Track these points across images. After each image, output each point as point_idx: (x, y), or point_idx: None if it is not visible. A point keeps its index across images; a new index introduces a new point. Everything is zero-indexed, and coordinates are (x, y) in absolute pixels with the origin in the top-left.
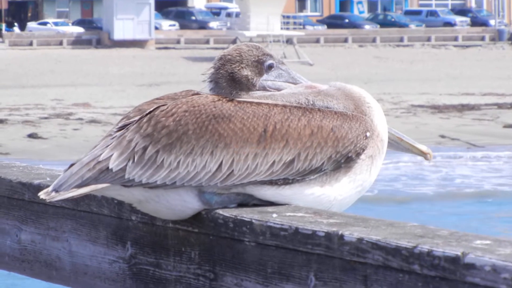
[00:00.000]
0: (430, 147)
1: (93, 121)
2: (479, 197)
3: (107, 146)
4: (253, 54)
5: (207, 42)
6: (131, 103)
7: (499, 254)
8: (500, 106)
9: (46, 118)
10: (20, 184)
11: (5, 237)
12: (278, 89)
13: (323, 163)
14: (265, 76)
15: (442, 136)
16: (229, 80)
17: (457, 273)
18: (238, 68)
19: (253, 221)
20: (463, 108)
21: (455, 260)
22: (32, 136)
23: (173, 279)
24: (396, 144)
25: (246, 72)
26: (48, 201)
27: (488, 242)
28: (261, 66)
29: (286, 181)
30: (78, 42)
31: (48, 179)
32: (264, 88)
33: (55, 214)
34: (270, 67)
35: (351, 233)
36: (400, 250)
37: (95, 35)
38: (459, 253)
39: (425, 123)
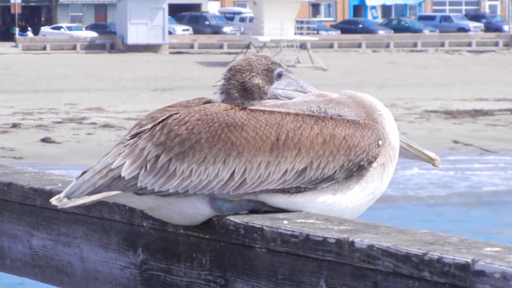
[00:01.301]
0: (443, 152)
1: (106, 126)
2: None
3: (119, 154)
4: (262, 63)
5: (221, 47)
6: (145, 108)
7: (509, 261)
8: None
9: (59, 122)
10: (31, 190)
11: (17, 242)
12: (289, 98)
13: (335, 172)
14: (275, 85)
15: (456, 142)
16: (241, 90)
17: (467, 280)
18: (249, 77)
19: (264, 227)
20: (476, 113)
21: (465, 267)
22: (45, 140)
23: (184, 285)
24: (405, 151)
25: (257, 80)
26: (60, 207)
27: (498, 249)
28: (271, 74)
29: (298, 189)
30: (91, 46)
31: (59, 185)
32: (275, 97)
33: (66, 220)
34: (280, 75)
35: (362, 240)
36: (410, 257)
37: (109, 39)
38: (469, 260)
39: (438, 128)
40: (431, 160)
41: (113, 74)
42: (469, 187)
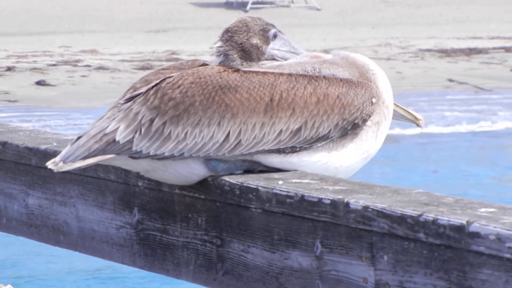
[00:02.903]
0: (438, 91)
1: (101, 68)
2: None
3: (114, 119)
4: (258, 23)
5: None
6: (139, 50)
7: (504, 222)
8: (508, 49)
9: (54, 65)
10: (26, 149)
11: (13, 201)
12: (284, 58)
13: (330, 131)
14: (271, 45)
15: (450, 80)
16: (239, 51)
17: (462, 241)
18: (246, 38)
19: (259, 188)
20: (471, 52)
21: (460, 229)
22: (40, 83)
23: (180, 244)
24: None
25: (255, 40)
26: (56, 171)
27: (493, 210)
28: (267, 34)
29: (293, 149)
30: None
31: (54, 144)
32: (272, 57)
33: (62, 180)
34: (275, 36)
35: (357, 201)
36: (405, 218)
37: None
38: (463, 222)
39: (433, 67)
40: (416, 120)
41: (107, 15)
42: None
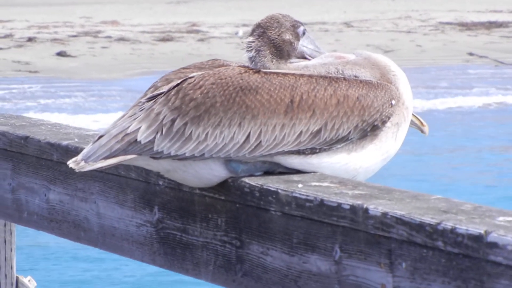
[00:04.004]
0: (458, 64)
1: (121, 39)
2: None
3: (135, 118)
4: (288, 19)
5: None
6: (159, 21)
7: None
8: None
9: (74, 36)
10: (48, 144)
11: (34, 196)
12: (312, 56)
13: (349, 132)
14: (301, 41)
15: (470, 54)
16: (271, 47)
17: (480, 251)
18: (278, 34)
19: (279, 191)
20: (491, 25)
21: (478, 238)
22: (61, 54)
23: (200, 244)
24: None
25: (288, 36)
26: (77, 170)
27: (511, 219)
28: (297, 31)
29: (313, 150)
30: None
31: (76, 139)
32: (301, 54)
33: (83, 176)
34: (303, 33)
35: (376, 207)
36: (424, 226)
37: None
38: (482, 231)
39: (453, 40)
40: (421, 126)
41: None
42: None
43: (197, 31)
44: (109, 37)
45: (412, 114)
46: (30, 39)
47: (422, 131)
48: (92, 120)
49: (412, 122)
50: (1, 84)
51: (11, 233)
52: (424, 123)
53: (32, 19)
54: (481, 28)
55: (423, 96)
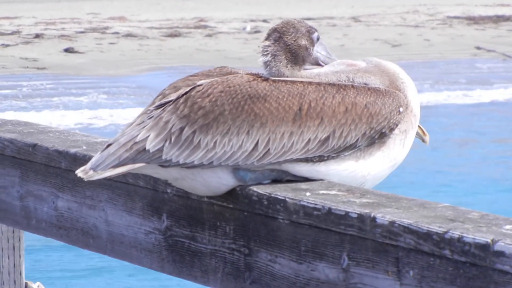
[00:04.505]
0: (465, 59)
1: (129, 35)
2: None
3: (144, 127)
4: (303, 25)
5: None
6: (167, 16)
7: None
8: None
9: (82, 32)
10: (56, 152)
11: (42, 203)
12: (325, 63)
13: (357, 140)
14: (315, 47)
15: (478, 48)
16: (287, 52)
17: (487, 260)
18: (295, 39)
19: (287, 199)
20: (498, 19)
21: (485, 247)
22: (68, 50)
23: (208, 252)
24: None
25: (303, 41)
26: (86, 179)
27: None
28: (311, 36)
29: (321, 158)
30: None
31: (84, 147)
32: (315, 60)
33: (91, 183)
34: (318, 38)
35: (383, 216)
36: (431, 235)
37: None
38: (489, 240)
39: (460, 34)
40: (423, 135)
41: None
42: None
43: (205, 27)
44: (117, 33)
45: (418, 125)
46: (37, 36)
47: (423, 141)
48: (95, 115)
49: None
50: (9, 81)
51: (19, 240)
52: (426, 132)
53: (40, 15)
54: (489, 22)
55: (434, 89)
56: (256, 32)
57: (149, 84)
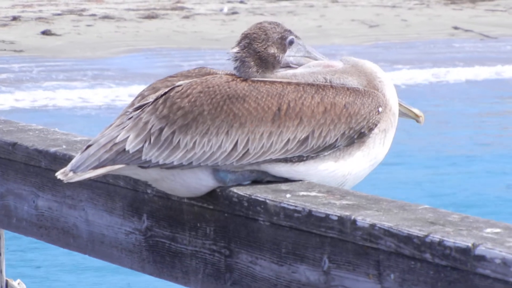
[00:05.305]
0: (443, 39)
1: (106, 17)
2: None
3: (123, 128)
4: (276, 31)
5: None
6: None
7: (509, 246)
8: None
9: (59, 14)
10: (36, 151)
11: (23, 202)
12: (299, 64)
13: (336, 140)
14: (287, 52)
15: (455, 28)
16: (256, 59)
17: (468, 264)
18: (264, 47)
19: (267, 201)
20: None
21: (465, 251)
22: (45, 33)
23: (189, 253)
24: None
25: (273, 50)
26: (65, 181)
27: (498, 230)
28: (284, 42)
29: (300, 158)
30: None
31: (64, 146)
32: (287, 65)
33: (71, 183)
34: (291, 42)
35: (364, 218)
36: (412, 238)
37: None
38: (469, 244)
39: (438, 14)
40: (416, 117)
41: None
42: None
43: (182, 8)
44: (94, 15)
45: (407, 108)
46: (14, 18)
47: (418, 121)
48: (77, 96)
49: (407, 115)
50: None
51: (0, 237)
52: (419, 113)
53: None
54: (466, 2)
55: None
56: (234, 13)
57: (126, 66)
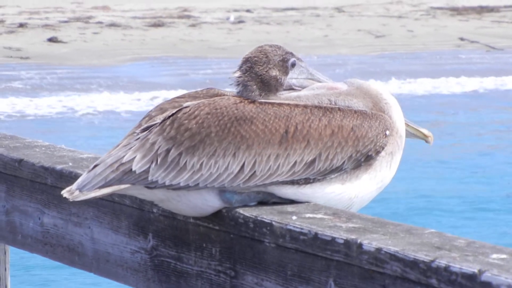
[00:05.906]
0: (449, 50)
1: (112, 25)
2: None
3: (130, 148)
4: (278, 53)
5: None
6: (150, 6)
7: None
8: None
9: (66, 21)
10: (42, 168)
11: (28, 219)
12: (302, 86)
13: (343, 162)
14: (290, 75)
15: (461, 39)
16: (258, 82)
17: None
18: (266, 70)
19: (273, 223)
20: (482, 10)
21: (472, 278)
22: (52, 40)
23: (194, 273)
24: None
25: (275, 72)
26: (71, 200)
27: (504, 256)
28: (286, 65)
29: (307, 181)
30: None
31: (70, 164)
32: (290, 87)
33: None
34: (293, 65)
35: (370, 242)
36: (418, 263)
37: None
38: (475, 271)
39: (444, 25)
40: (425, 137)
41: None
42: None
43: (188, 17)
44: (100, 22)
45: (415, 128)
46: (21, 25)
47: (426, 142)
48: (82, 103)
49: (415, 135)
50: None
51: (5, 253)
52: (427, 133)
53: (23, 4)
54: (472, 13)
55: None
56: (240, 22)
57: (132, 74)
